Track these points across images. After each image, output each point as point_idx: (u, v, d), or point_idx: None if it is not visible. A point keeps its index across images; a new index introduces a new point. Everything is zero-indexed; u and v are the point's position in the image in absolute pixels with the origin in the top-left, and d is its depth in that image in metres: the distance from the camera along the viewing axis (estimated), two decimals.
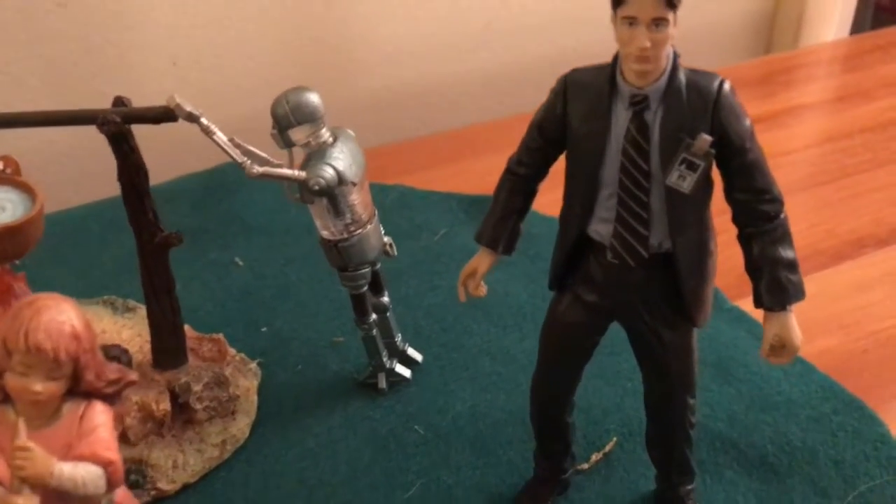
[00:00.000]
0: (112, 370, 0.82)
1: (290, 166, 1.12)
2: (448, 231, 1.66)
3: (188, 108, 1.02)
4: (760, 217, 0.89)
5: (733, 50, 2.64)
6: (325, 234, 1.17)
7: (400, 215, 1.70)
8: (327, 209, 1.14)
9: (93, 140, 1.09)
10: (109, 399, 0.83)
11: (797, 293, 0.89)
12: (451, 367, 1.34)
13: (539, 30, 2.31)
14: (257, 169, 1.06)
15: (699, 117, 0.85)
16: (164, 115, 1.04)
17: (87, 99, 1.30)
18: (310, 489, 1.15)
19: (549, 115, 0.92)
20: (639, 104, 0.86)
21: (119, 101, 1.07)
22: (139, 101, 1.12)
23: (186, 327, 1.24)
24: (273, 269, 1.56)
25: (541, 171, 0.97)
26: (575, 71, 0.91)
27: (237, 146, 1.06)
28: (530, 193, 0.98)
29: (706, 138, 0.84)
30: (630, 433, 1.21)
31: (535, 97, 0.96)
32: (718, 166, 0.88)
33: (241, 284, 1.53)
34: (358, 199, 1.15)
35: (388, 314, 1.30)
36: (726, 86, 0.85)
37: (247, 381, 1.27)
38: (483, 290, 1.01)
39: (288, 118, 1.10)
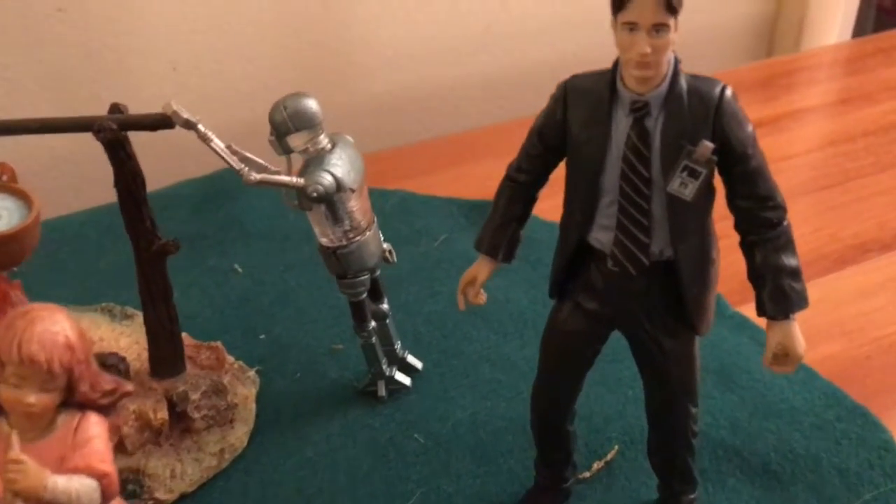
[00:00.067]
0: (107, 381, 0.81)
1: (289, 173, 1.11)
2: (448, 237, 1.65)
3: (185, 114, 1.01)
4: (763, 224, 0.88)
5: (734, 53, 2.63)
6: (323, 240, 1.17)
7: (400, 221, 1.69)
8: (326, 216, 1.13)
9: (91, 146, 1.09)
10: (104, 410, 0.82)
11: (800, 301, 0.88)
12: (452, 375, 1.33)
13: (539, 34, 2.30)
14: (255, 176, 1.05)
15: (701, 124, 0.84)
16: (161, 122, 1.03)
17: (87, 104, 1.30)
18: (308, 498, 1.14)
19: (549, 121, 0.91)
20: (639, 111, 0.85)
21: (115, 108, 1.07)
22: (139, 106, 1.11)
23: (184, 335, 1.23)
24: (272, 276, 1.56)
25: (541, 178, 0.96)
26: (575, 77, 0.90)
27: (235, 153, 1.05)
28: (530, 200, 0.98)
29: (708, 145, 0.83)
30: (632, 441, 1.20)
31: (535, 101, 0.95)
32: (720, 173, 0.87)
33: (240, 291, 1.52)
34: (357, 206, 1.15)
35: (387, 321, 1.29)
36: (728, 92, 0.85)
37: (245, 389, 1.26)
38: (483, 298, 1.00)
39: (286, 124, 1.10)
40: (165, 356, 1.19)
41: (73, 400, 0.80)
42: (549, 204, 1.01)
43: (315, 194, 1.08)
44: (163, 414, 1.15)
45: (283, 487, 1.16)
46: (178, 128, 1.05)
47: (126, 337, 1.30)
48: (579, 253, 0.94)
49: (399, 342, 1.32)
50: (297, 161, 1.13)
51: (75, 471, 0.78)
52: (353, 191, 1.12)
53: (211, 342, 1.28)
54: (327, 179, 1.09)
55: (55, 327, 0.76)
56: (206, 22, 1.94)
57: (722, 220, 0.91)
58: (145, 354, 1.22)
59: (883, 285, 1.53)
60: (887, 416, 1.23)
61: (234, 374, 1.27)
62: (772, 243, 0.88)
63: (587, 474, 1.16)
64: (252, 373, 1.30)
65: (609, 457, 1.18)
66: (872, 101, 2.20)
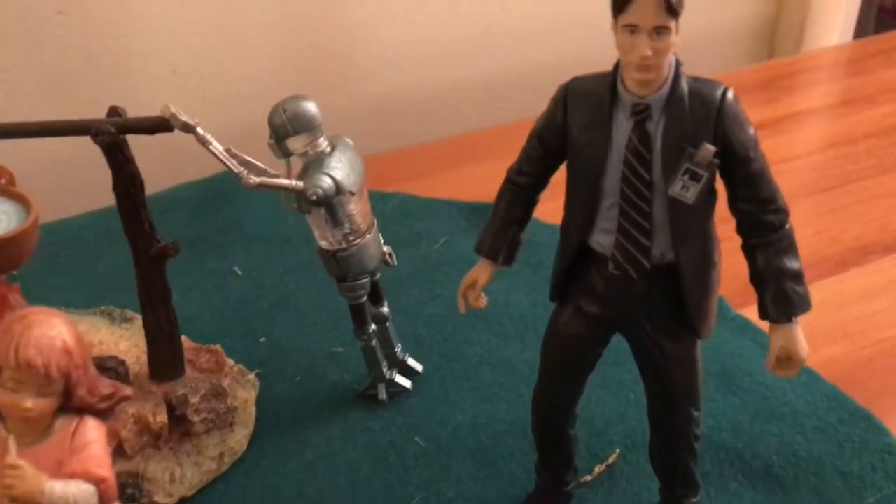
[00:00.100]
0: (105, 385, 0.81)
1: (288, 176, 1.11)
2: (449, 239, 1.65)
3: (184, 118, 1.01)
4: (765, 227, 0.87)
5: (735, 55, 2.62)
6: (323, 244, 1.16)
7: (400, 223, 1.68)
8: (325, 219, 1.12)
9: (91, 149, 1.09)
10: (103, 414, 0.81)
11: (803, 304, 0.88)
12: (452, 378, 1.33)
13: (539, 35, 2.30)
14: (254, 179, 1.04)
15: (702, 126, 0.83)
16: (160, 125, 1.03)
17: (86, 107, 1.30)
18: (308, 502, 1.13)
19: (550, 123, 0.91)
20: (640, 113, 0.84)
21: (114, 112, 1.06)
22: (139, 109, 1.11)
23: (184, 338, 1.22)
24: (272, 279, 1.55)
25: (541, 181, 0.96)
26: (575, 79, 0.89)
27: (234, 156, 1.04)
28: (531, 203, 0.97)
29: (709, 148, 0.83)
30: (633, 445, 1.19)
31: (535, 103, 0.95)
32: (722, 176, 0.87)
33: (240, 294, 1.52)
34: (357, 209, 1.14)
35: (387, 324, 1.28)
36: (730, 94, 0.84)
37: (245, 393, 1.26)
38: (483, 301, 1.00)
39: (285, 127, 1.09)
40: (165, 359, 1.19)
41: (70, 404, 0.79)
42: (550, 206, 1.00)
43: (314, 197, 1.07)
44: (162, 417, 1.15)
45: (283, 491, 1.15)
46: (177, 131, 1.05)
47: (125, 340, 1.30)
48: (580, 256, 0.93)
49: (399, 345, 1.31)
50: (297, 164, 1.13)
51: (73, 476, 0.78)
52: (352, 194, 1.12)
53: (210, 345, 1.28)
54: (327, 182, 1.08)
55: (52, 331, 0.76)
56: (206, 24, 1.94)
57: (723, 222, 0.90)
58: (145, 358, 1.21)
59: (885, 287, 1.52)
60: (890, 418, 1.23)
61: (234, 378, 1.26)
62: (774, 246, 0.87)
63: (588, 478, 1.15)
64: (252, 376, 1.30)
65: (610, 460, 1.17)
66: (874, 103, 2.20)
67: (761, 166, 0.86)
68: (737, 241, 0.91)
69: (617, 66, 0.85)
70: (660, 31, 0.79)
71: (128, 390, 0.83)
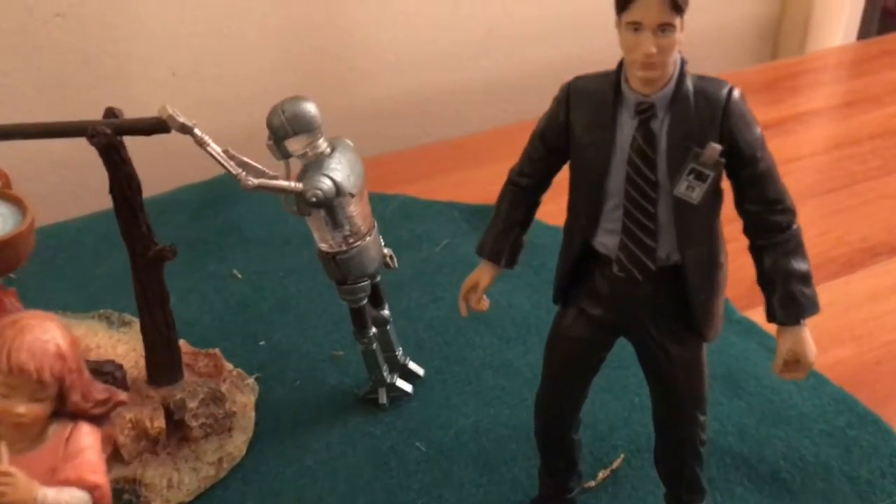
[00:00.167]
0: (100, 390, 0.79)
1: (287, 178, 1.10)
2: (450, 241, 1.64)
3: (181, 118, 1.00)
4: (772, 228, 0.86)
5: (739, 55, 2.62)
6: (323, 246, 1.15)
7: (401, 226, 1.68)
8: (325, 221, 1.11)
9: (90, 152, 1.08)
10: (97, 420, 0.80)
11: (811, 307, 0.86)
12: (454, 382, 1.31)
13: (541, 37, 2.29)
14: (253, 181, 1.03)
15: (708, 126, 0.82)
16: (157, 126, 1.02)
17: (85, 110, 1.29)
18: None
19: (552, 123, 0.89)
20: (645, 112, 0.83)
21: (110, 113, 1.05)
22: (138, 111, 1.10)
23: (182, 342, 1.21)
24: (272, 282, 1.54)
25: (543, 182, 0.94)
26: (578, 78, 0.88)
27: (232, 157, 1.03)
28: (533, 205, 0.96)
29: (715, 147, 0.81)
30: (638, 449, 1.18)
31: (537, 105, 0.94)
32: (728, 176, 0.86)
33: (239, 297, 1.51)
34: (357, 211, 1.13)
35: (388, 327, 1.27)
36: (736, 93, 0.83)
37: (244, 397, 1.24)
38: (485, 304, 0.98)
39: (284, 128, 1.08)
40: (162, 363, 1.17)
41: (64, 410, 0.78)
42: (553, 208, 0.99)
43: (314, 199, 1.06)
44: (160, 422, 1.13)
45: (283, 497, 1.14)
46: (176, 134, 1.04)
47: (123, 344, 1.29)
48: (584, 258, 0.92)
49: (400, 349, 1.30)
50: (296, 165, 1.11)
51: (66, 483, 0.77)
52: (352, 195, 1.11)
53: (209, 349, 1.27)
54: (326, 184, 1.07)
55: (45, 336, 0.75)
56: (206, 27, 1.93)
57: (728, 223, 0.89)
58: (143, 362, 1.20)
59: (893, 289, 1.51)
60: None
61: (233, 382, 1.25)
62: (781, 247, 0.86)
63: (592, 483, 1.14)
64: (251, 380, 1.29)
65: (615, 465, 1.16)
66: (879, 104, 2.19)
67: (768, 166, 0.85)
68: (742, 242, 0.89)
69: (621, 64, 0.84)
70: (664, 28, 0.78)
71: (123, 395, 0.81)
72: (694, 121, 0.82)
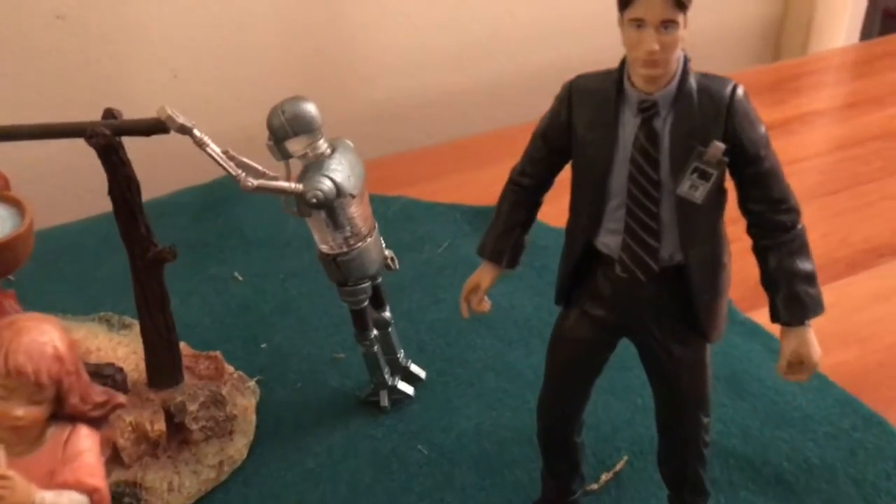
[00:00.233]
0: (98, 392, 0.79)
1: (287, 179, 1.09)
2: (452, 243, 1.63)
3: (180, 119, 0.99)
4: (777, 228, 0.85)
5: (741, 56, 2.61)
6: (323, 247, 1.14)
7: (402, 227, 1.67)
8: (326, 222, 1.11)
9: (90, 154, 1.07)
10: (96, 422, 0.80)
11: (816, 307, 0.86)
12: (456, 384, 1.31)
13: (544, 39, 2.28)
14: (252, 182, 1.03)
15: (711, 124, 0.81)
16: (155, 126, 1.01)
17: (86, 112, 1.28)
18: None
19: (554, 122, 0.89)
20: (647, 111, 0.82)
21: (109, 114, 1.04)
22: (139, 113, 1.09)
23: (182, 345, 1.21)
24: (273, 284, 1.54)
25: (545, 182, 0.94)
26: (580, 77, 0.87)
27: (231, 158, 1.03)
28: (534, 205, 0.95)
29: (719, 146, 0.81)
30: (641, 451, 1.17)
31: (540, 107, 0.93)
32: (732, 175, 0.85)
33: (240, 300, 1.50)
34: (357, 212, 1.12)
35: (389, 329, 1.26)
36: (739, 91, 0.82)
37: (245, 400, 1.24)
38: (486, 305, 0.98)
39: (284, 129, 1.07)
40: (163, 366, 1.17)
41: (62, 412, 0.77)
42: (555, 208, 0.98)
43: (314, 200, 1.05)
44: (160, 425, 1.13)
45: (284, 500, 1.13)
46: (176, 136, 1.03)
47: (124, 347, 1.28)
48: (586, 258, 0.91)
49: (402, 351, 1.29)
50: (297, 166, 1.11)
51: (65, 486, 0.76)
52: (353, 196, 1.10)
53: (210, 352, 1.26)
54: (327, 185, 1.06)
55: (43, 338, 0.74)
56: (207, 28, 1.93)
57: (731, 223, 0.88)
58: (143, 365, 1.19)
59: None
60: None
61: (234, 385, 1.24)
62: (786, 247, 0.85)
63: (595, 486, 1.13)
64: (252, 383, 1.28)
65: (618, 467, 1.15)
66: (881, 105, 2.18)
67: (772, 165, 0.84)
68: (744, 242, 0.89)
69: (623, 62, 0.83)
70: (667, 24, 0.77)
71: (121, 397, 0.81)
72: (697, 119, 0.81)
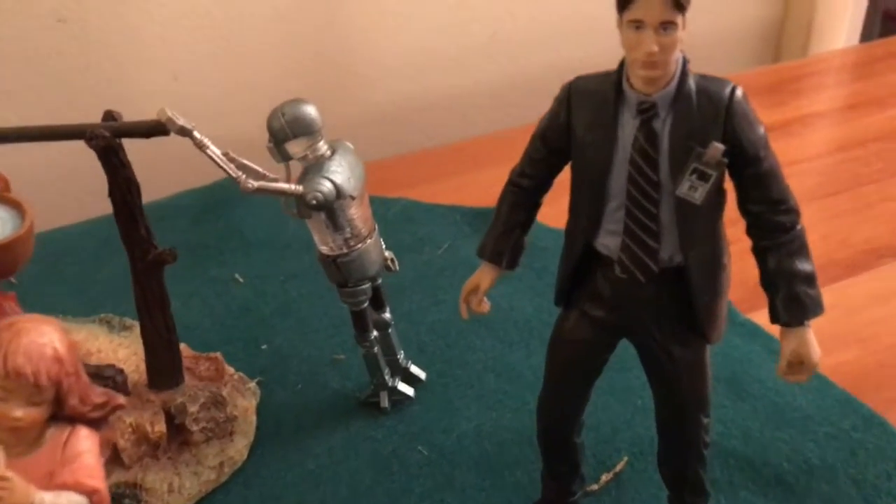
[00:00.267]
0: (97, 394, 0.79)
1: (287, 180, 1.09)
2: (452, 244, 1.63)
3: (180, 121, 0.99)
4: (776, 229, 0.85)
5: (741, 57, 2.61)
6: (323, 249, 1.14)
7: (403, 229, 1.67)
8: (326, 224, 1.11)
9: (92, 157, 1.07)
10: (95, 424, 0.80)
11: (815, 308, 0.85)
12: (456, 385, 1.31)
13: (544, 41, 2.28)
14: (252, 183, 1.03)
15: (710, 125, 0.81)
16: (155, 128, 1.01)
17: (87, 115, 1.29)
18: None
19: (553, 123, 0.89)
20: (647, 112, 0.82)
21: (109, 116, 1.04)
22: (139, 116, 1.09)
23: (183, 346, 1.21)
24: (273, 286, 1.54)
25: (545, 183, 0.94)
26: (579, 78, 0.87)
27: (231, 160, 1.03)
28: (534, 206, 0.95)
29: (718, 147, 0.81)
30: (641, 452, 1.17)
31: (539, 109, 0.94)
32: (731, 176, 0.85)
33: (241, 301, 1.50)
34: (357, 213, 1.12)
35: (389, 331, 1.26)
36: (738, 92, 0.82)
37: (245, 401, 1.24)
38: (486, 306, 0.98)
39: (284, 131, 1.07)
40: (163, 367, 1.17)
41: (62, 413, 0.77)
42: (554, 210, 0.99)
43: (314, 202, 1.05)
44: (160, 427, 1.13)
45: (284, 501, 1.13)
46: (176, 138, 1.03)
47: (124, 348, 1.28)
48: (586, 259, 0.91)
49: (402, 352, 1.29)
50: (297, 168, 1.11)
51: (64, 487, 0.76)
52: (353, 198, 1.10)
53: (210, 353, 1.26)
54: (327, 186, 1.06)
55: (42, 339, 0.74)
56: (207, 32, 1.93)
57: (731, 224, 0.88)
58: (144, 366, 1.19)
59: None
60: None
61: (234, 386, 1.24)
62: (785, 248, 0.85)
63: (595, 487, 1.13)
64: (252, 384, 1.28)
65: (618, 468, 1.15)
66: (882, 106, 2.18)
67: (771, 166, 0.84)
68: (744, 244, 0.89)
69: (622, 63, 0.83)
70: (666, 26, 0.77)
71: (121, 398, 0.81)
72: (696, 120, 0.81)
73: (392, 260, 1.21)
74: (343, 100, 2.11)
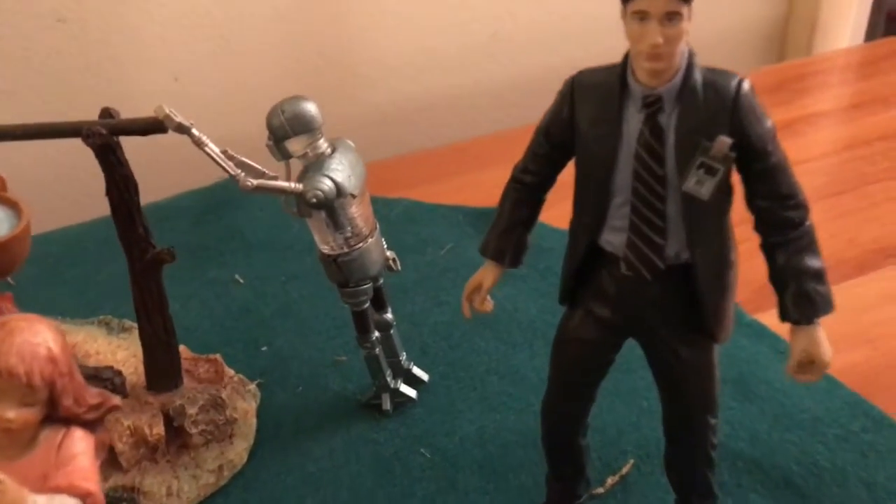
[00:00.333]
0: (93, 395, 0.77)
1: (287, 178, 1.08)
2: (454, 245, 1.62)
3: (178, 118, 0.98)
4: (785, 225, 0.83)
5: (746, 56, 2.60)
6: (324, 248, 1.13)
7: (405, 229, 1.66)
8: (326, 223, 1.09)
9: (91, 158, 1.06)
10: (91, 425, 0.78)
11: (826, 305, 0.84)
12: (459, 387, 1.29)
13: (545, 41, 2.27)
14: (252, 182, 1.01)
15: (717, 119, 0.80)
16: (153, 126, 1.00)
17: (86, 115, 1.28)
18: None
19: (556, 118, 0.87)
20: (652, 105, 0.81)
21: (106, 113, 1.03)
22: (139, 116, 1.08)
23: (182, 348, 1.19)
24: (274, 287, 1.53)
25: (548, 179, 0.92)
26: (582, 72, 0.86)
27: (230, 158, 1.01)
28: (537, 203, 0.94)
29: (725, 141, 0.79)
30: (648, 455, 1.16)
31: (541, 109, 0.93)
32: (739, 171, 0.83)
33: (241, 302, 1.49)
34: (358, 212, 1.11)
35: (391, 332, 1.25)
36: (745, 85, 0.80)
37: (245, 404, 1.22)
38: (489, 305, 0.96)
39: (284, 128, 1.06)
40: (162, 369, 1.15)
41: (56, 414, 0.76)
42: (559, 210, 0.97)
43: (314, 200, 1.04)
44: (159, 429, 1.11)
45: None
46: (177, 139, 1.02)
47: (123, 350, 1.27)
48: (590, 257, 0.90)
49: (404, 353, 1.28)
50: (297, 166, 1.09)
51: (58, 490, 0.74)
52: (353, 196, 1.09)
53: (210, 355, 1.25)
54: (327, 185, 1.05)
55: (36, 338, 0.72)
56: (208, 32, 1.93)
57: (738, 223, 0.86)
58: (142, 368, 1.18)
59: None
60: None
61: (234, 388, 1.23)
62: (794, 244, 0.83)
63: (601, 490, 1.11)
64: (252, 386, 1.27)
65: (624, 471, 1.14)
66: (887, 105, 2.17)
67: (779, 160, 0.82)
68: (750, 243, 0.87)
69: (626, 56, 0.82)
70: (671, 17, 0.76)
71: (116, 399, 0.79)
72: (703, 114, 0.80)
73: (394, 260, 1.20)
74: (344, 100, 2.10)
